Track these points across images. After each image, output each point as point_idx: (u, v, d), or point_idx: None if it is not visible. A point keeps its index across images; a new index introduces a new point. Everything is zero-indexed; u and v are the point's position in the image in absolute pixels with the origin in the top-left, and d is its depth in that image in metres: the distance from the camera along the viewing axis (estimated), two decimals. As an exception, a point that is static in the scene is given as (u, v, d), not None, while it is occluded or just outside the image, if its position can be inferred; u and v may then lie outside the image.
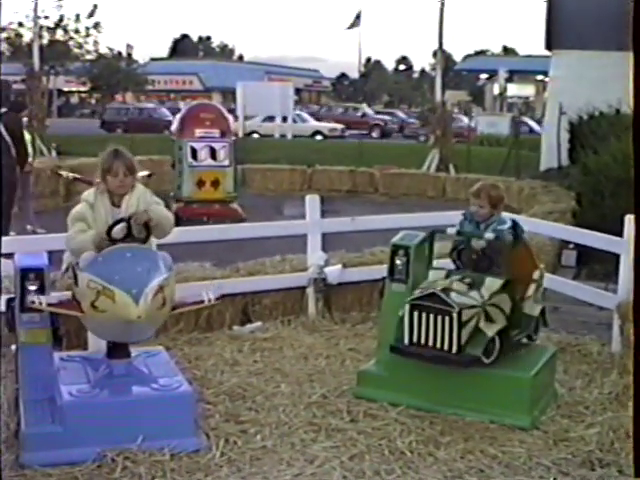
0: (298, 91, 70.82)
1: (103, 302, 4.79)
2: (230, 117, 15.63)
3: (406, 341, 5.59)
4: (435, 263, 6.10)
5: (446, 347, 5.45)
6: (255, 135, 39.20)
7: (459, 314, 5.40)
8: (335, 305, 8.24)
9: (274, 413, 5.68)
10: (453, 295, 5.51)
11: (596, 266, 10.00)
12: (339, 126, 46.09)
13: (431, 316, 5.49)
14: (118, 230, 5.12)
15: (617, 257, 7.36)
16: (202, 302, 5.45)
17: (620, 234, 7.26)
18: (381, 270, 6.42)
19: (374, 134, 48.52)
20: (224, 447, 5.11)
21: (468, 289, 5.61)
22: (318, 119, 49.03)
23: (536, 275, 6.04)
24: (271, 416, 5.62)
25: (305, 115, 48.32)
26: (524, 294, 5.93)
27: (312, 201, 8.18)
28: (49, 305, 5.03)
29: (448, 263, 6.18)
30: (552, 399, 5.99)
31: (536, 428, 5.52)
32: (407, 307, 5.57)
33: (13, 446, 4.97)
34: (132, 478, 4.70)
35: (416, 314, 5.54)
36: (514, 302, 5.81)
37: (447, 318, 5.43)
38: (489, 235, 5.74)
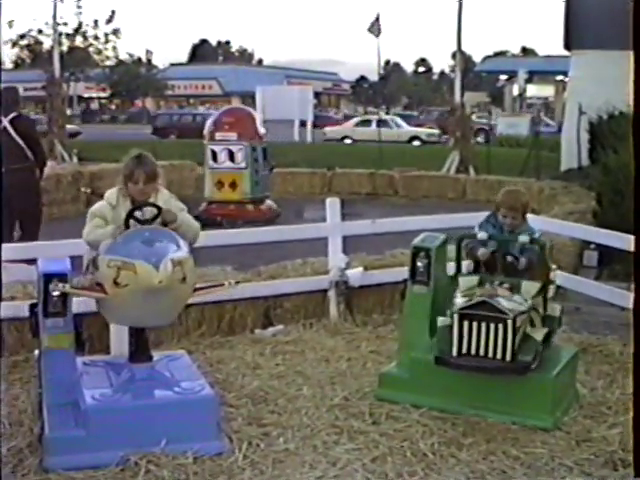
0: (317, 95, 70.96)
1: (125, 276, 4.83)
2: (258, 120, 15.88)
3: (454, 352, 5.49)
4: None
5: (499, 355, 5.37)
6: (347, 140, 39.21)
7: (514, 321, 5.32)
8: (357, 308, 8.23)
9: (296, 416, 5.68)
10: (503, 302, 5.43)
11: (617, 266, 9.93)
12: (436, 131, 44.89)
13: (483, 325, 5.37)
14: (147, 211, 5.20)
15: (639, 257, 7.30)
16: (222, 285, 5.50)
17: (641, 234, 7.22)
18: (402, 272, 6.39)
19: (479, 139, 46.40)
20: (247, 450, 5.12)
21: (511, 295, 5.57)
22: (418, 124, 48.31)
23: (552, 275, 5.99)
24: (293, 419, 5.63)
25: (399, 120, 47.38)
26: (546, 296, 5.89)
27: (332, 204, 8.20)
28: (72, 288, 5.07)
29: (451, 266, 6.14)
30: (574, 400, 5.96)
31: (558, 429, 5.49)
32: (456, 317, 5.46)
33: (37, 450, 5.01)
34: (155, 481, 4.72)
35: (466, 324, 5.43)
36: (546, 305, 5.79)
37: (501, 325, 5.32)
38: (524, 238, 5.70)
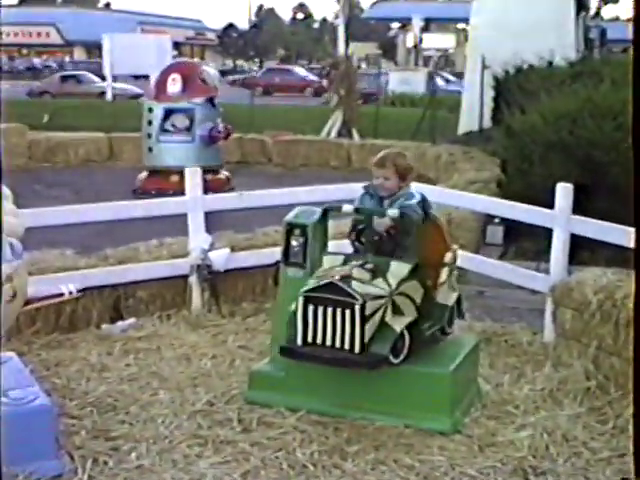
0: (177, 45, 70.29)
1: None
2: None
3: (299, 341, 5.54)
4: (330, 246, 6.10)
5: (347, 346, 5.41)
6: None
7: (362, 306, 5.36)
8: (223, 296, 8.25)
9: (151, 426, 5.64)
10: (355, 284, 5.47)
11: (525, 243, 10.22)
12: None
13: (329, 310, 5.43)
14: None
15: (549, 232, 7.50)
16: (61, 295, 5.37)
17: (551, 205, 7.41)
18: (275, 253, 6.41)
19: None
20: (92, 469, 5.04)
21: (372, 277, 5.59)
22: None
23: (448, 258, 6.05)
24: (148, 429, 5.58)
25: None
26: (436, 281, 5.95)
27: (193, 174, 8.15)
28: None
29: (345, 245, 6.18)
30: (476, 398, 6.08)
31: (458, 432, 5.59)
32: (300, 300, 5.52)
33: None
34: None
35: (311, 308, 5.48)
36: (426, 290, 5.84)
37: (348, 311, 5.38)
38: (393, 212, 5.70)
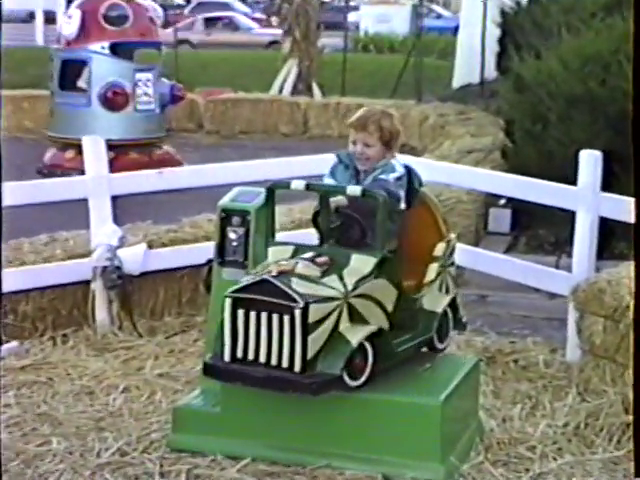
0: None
1: None
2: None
3: (226, 357, 5.51)
4: (288, 238, 6.09)
5: (285, 363, 5.39)
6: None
7: (304, 310, 5.31)
8: (138, 308, 8.29)
9: (42, 486, 5.62)
10: (295, 282, 5.43)
11: (541, 231, 10.22)
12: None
13: (263, 315, 5.40)
14: None
15: (572, 216, 7.54)
16: None
17: (574, 180, 7.42)
18: (207, 249, 6.43)
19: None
20: None
21: (322, 273, 5.57)
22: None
23: (440, 250, 6.08)
24: (36, 493, 5.57)
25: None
26: (421, 280, 5.97)
27: (94, 145, 8.16)
28: None
29: (304, 236, 6.17)
30: (477, 437, 6.10)
31: (453, 484, 5.62)
32: (227, 303, 5.48)
33: None
34: None
35: (241, 313, 5.45)
36: (399, 291, 5.84)
37: (287, 317, 5.34)
38: (353, 189, 5.69)
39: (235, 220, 6.06)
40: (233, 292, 5.49)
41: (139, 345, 7.84)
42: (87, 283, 8.07)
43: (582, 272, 7.36)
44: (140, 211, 8.67)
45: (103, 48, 15.60)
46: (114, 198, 8.17)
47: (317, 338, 5.38)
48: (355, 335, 5.50)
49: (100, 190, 8.09)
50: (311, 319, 5.33)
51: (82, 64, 15.61)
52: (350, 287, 5.53)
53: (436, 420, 5.68)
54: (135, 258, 8.13)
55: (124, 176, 8.60)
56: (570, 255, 7.54)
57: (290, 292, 5.34)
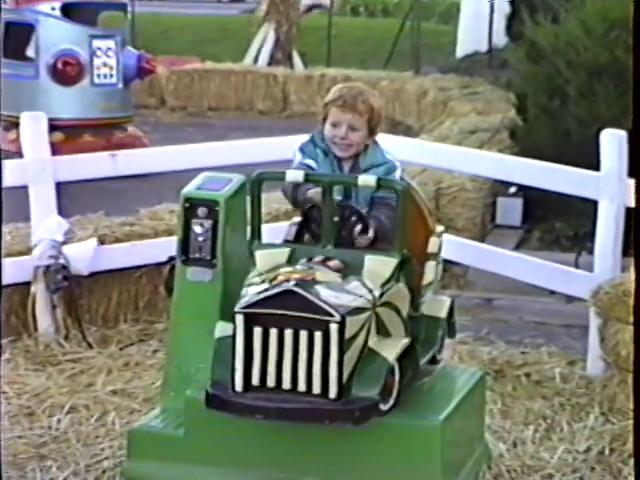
0: None
1: None
2: None
3: (238, 386, 5.35)
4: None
5: (317, 389, 5.24)
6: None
7: (341, 325, 5.17)
8: (87, 314, 8.26)
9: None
10: (324, 292, 5.29)
11: (557, 224, 10.21)
12: None
13: (287, 334, 5.26)
14: None
15: (593, 206, 7.49)
16: None
17: (596, 165, 7.38)
18: (168, 245, 6.42)
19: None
20: None
21: (343, 278, 5.47)
22: None
23: (434, 245, 6.04)
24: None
25: None
26: (420, 281, 5.91)
27: (34, 122, 8.09)
28: None
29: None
30: (483, 463, 6.07)
31: (457, 518, 5.59)
32: (239, 320, 5.31)
33: None
34: None
35: (258, 333, 5.28)
36: (413, 297, 5.79)
37: (318, 335, 5.20)
38: (365, 179, 5.61)
39: (201, 211, 5.97)
40: (245, 307, 5.29)
41: (88, 357, 7.82)
42: (27, 285, 8.04)
43: (605, 271, 7.33)
44: (90, 201, 8.64)
45: (53, 9, 15.42)
46: (59, 185, 8.10)
47: (351, 357, 5.26)
48: (390, 352, 5.40)
49: (42, 176, 8.02)
50: (347, 335, 5.19)
51: (30, 28, 15.50)
52: (376, 294, 5.43)
53: (436, 443, 5.59)
54: (84, 256, 8.08)
55: (70, 159, 8.55)
56: (591, 252, 7.52)
57: (322, 304, 5.18)
